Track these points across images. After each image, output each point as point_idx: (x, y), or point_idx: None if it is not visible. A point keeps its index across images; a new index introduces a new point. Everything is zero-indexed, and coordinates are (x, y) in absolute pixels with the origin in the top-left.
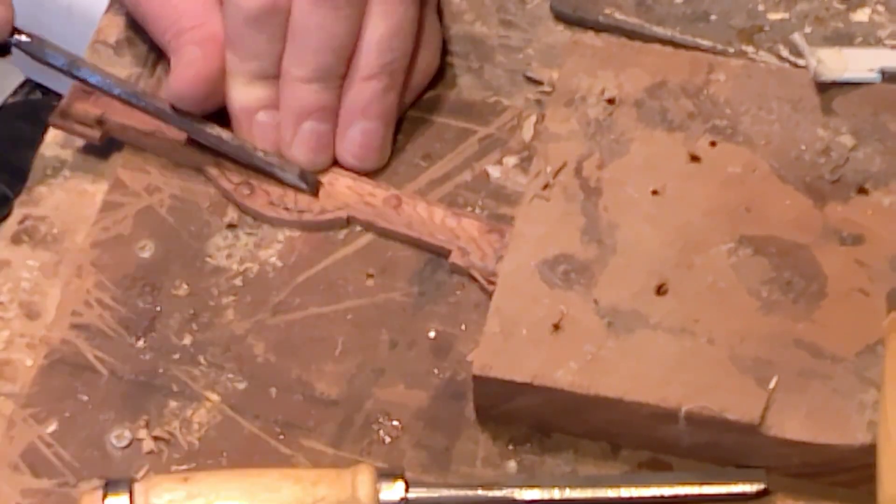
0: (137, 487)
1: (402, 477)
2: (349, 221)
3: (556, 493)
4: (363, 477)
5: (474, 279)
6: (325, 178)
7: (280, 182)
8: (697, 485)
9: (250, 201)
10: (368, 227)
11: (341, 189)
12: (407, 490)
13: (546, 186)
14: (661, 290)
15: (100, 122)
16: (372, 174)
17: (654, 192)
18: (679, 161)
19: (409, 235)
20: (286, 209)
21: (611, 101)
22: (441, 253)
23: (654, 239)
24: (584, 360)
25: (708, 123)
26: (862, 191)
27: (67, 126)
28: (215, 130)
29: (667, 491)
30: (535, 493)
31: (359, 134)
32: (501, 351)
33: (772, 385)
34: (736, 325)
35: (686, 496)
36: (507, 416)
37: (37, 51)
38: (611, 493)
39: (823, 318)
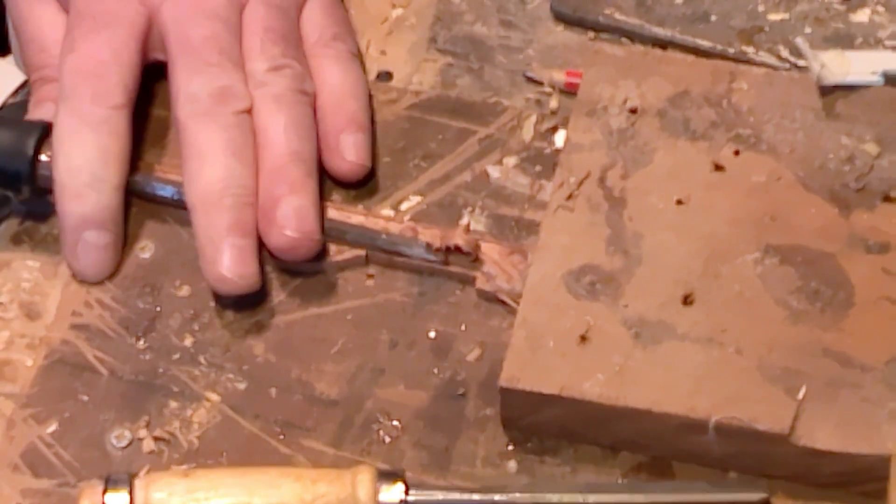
0: (138, 482)
1: (403, 478)
2: (368, 259)
3: (554, 498)
4: (363, 477)
5: (503, 303)
6: (333, 215)
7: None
8: (699, 493)
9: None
10: (389, 262)
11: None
12: (407, 492)
13: (570, 197)
14: (687, 301)
15: None
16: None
17: (679, 202)
18: (703, 170)
19: (430, 266)
20: None
21: (633, 111)
22: (465, 280)
23: (679, 249)
24: (611, 371)
25: (731, 132)
26: (887, 199)
27: None
28: (350, 223)
29: (667, 499)
30: (534, 498)
31: (291, 210)
32: (528, 363)
33: (801, 395)
34: (764, 335)
35: None
36: (534, 427)
37: (145, 185)
38: (610, 498)
39: (851, 326)
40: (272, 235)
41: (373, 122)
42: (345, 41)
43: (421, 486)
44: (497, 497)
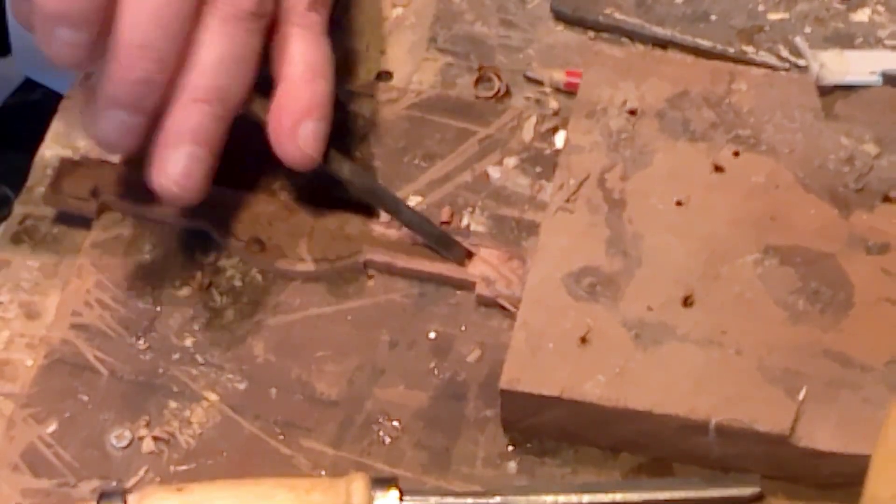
0: (131, 498)
1: (396, 485)
2: (366, 265)
3: (549, 499)
4: (357, 485)
5: (504, 308)
6: (333, 225)
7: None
8: (692, 490)
9: (263, 257)
10: (387, 268)
11: (353, 233)
12: (401, 498)
13: (570, 199)
14: (687, 302)
15: (94, 195)
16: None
17: (679, 203)
18: (703, 171)
19: (429, 272)
20: (301, 260)
21: (632, 112)
22: (464, 286)
23: (679, 250)
24: (612, 372)
25: (731, 133)
26: (887, 199)
27: (61, 201)
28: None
29: (661, 496)
30: (529, 500)
31: (184, 158)
32: (529, 365)
33: (801, 396)
34: (764, 336)
35: (681, 501)
36: (535, 429)
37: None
38: (606, 498)
39: (851, 327)
40: (160, 175)
41: (372, 120)
42: (319, 12)
43: (415, 491)
44: (491, 500)
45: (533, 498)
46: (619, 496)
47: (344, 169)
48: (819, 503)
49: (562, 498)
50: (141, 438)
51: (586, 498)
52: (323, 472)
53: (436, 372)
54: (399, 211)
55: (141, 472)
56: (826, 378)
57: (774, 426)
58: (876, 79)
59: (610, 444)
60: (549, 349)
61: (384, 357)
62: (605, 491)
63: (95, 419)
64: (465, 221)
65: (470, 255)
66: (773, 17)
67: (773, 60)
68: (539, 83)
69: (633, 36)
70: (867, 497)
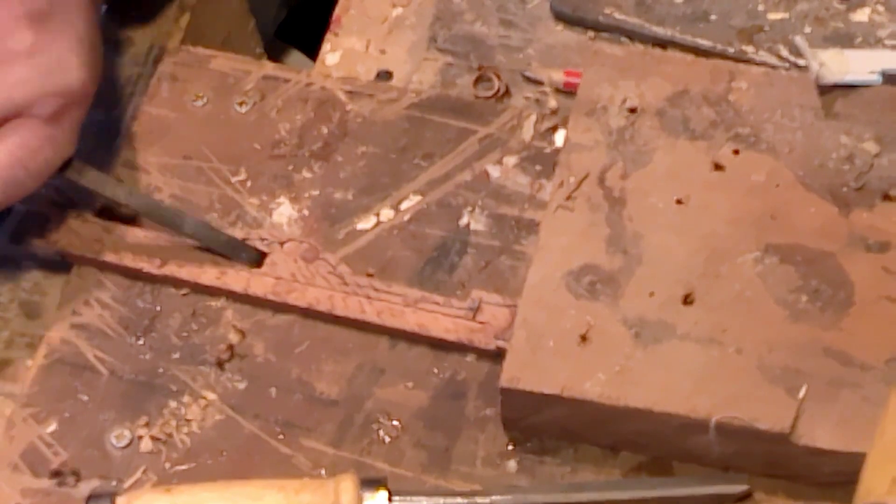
0: (120, 501)
1: (385, 486)
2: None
3: (539, 499)
4: (346, 485)
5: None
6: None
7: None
8: (682, 488)
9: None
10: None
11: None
12: (390, 499)
13: (570, 197)
14: (687, 300)
15: (58, 253)
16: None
17: (679, 202)
18: (702, 170)
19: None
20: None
21: (633, 111)
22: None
23: (679, 248)
24: (612, 371)
25: (730, 132)
26: (887, 197)
27: (27, 251)
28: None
29: (651, 494)
30: (516, 499)
31: None
32: (529, 363)
33: (801, 394)
34: (764, 335)
35: (671, 499)
36: (535, 428)
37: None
38: (595, 496)
39: (852, 326)
40: None
41: (372, 120)
42: (62, 126)
43: (405, 492)
44: (479, 500)
45: (519, 496)
46: (609, 495)
47: (106, 187)
48: (819, 502)
49: (549, 497)
50: (140, 438)
51: (574, 497)
52: (323, 472)
53: (436, 371)
54: (181, 224)
55: (140, 472)
56: (826, 376)
57: (775, 424)
58: (876, 78)
59: (610, 443)
60: (550, 347)
61: (384, 357)
62: (596, 490)
63: (95, 419)
64: (464, 220)
65: (263, 256)
66: (773, 16)
67: (773, 60)
68: (539, 83)
69: (633, 36)
70: (862, 489)
